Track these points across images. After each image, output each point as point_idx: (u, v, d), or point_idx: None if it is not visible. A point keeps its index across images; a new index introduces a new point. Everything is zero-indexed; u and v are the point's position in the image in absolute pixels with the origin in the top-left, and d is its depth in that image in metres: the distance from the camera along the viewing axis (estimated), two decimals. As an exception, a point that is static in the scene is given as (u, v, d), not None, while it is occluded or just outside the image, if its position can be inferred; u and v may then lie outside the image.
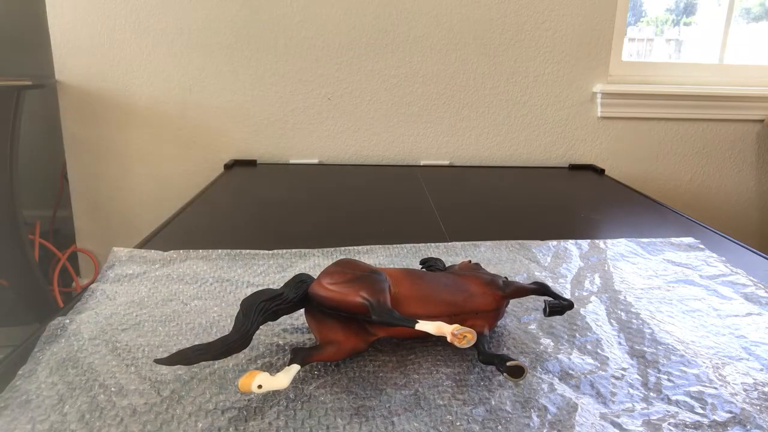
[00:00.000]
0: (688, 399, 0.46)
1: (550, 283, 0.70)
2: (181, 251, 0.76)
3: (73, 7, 1.39)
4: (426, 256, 0.74)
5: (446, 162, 1.57)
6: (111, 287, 0.65)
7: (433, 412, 0.43)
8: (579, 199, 1.16)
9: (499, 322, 0.58)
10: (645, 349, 0.54)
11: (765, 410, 0.45)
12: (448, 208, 1.05)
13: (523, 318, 0.60)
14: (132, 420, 0.42)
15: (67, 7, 1.39)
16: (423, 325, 0.45)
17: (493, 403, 0.45)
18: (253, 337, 0.47)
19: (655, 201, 1.15)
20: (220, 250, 0.76)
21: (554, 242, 0.84)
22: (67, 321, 0.56)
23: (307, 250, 0.78)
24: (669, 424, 0.43)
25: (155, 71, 1.44)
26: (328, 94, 1.49)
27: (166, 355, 0.51)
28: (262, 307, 0.47)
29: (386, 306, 0.46)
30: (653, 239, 0.87)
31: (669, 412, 0.45)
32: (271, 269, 0.71)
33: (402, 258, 0.76)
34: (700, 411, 0.45)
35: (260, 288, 0.65)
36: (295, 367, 0.44)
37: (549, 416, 0.43)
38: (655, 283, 0.71)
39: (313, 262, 0.73)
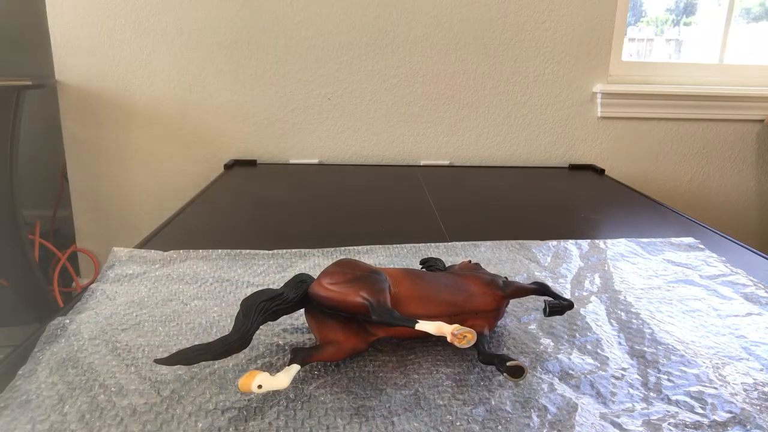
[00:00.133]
0: (688, 399, 0.46)
1: (550, 283, 0.70)
2: (181, 251, 0.76)
3: (73, 7, 1.39)
4: (426, 256, 0.74)
5: (446, 162, 1.57)
6: (111, 287, 0.65)
7: (433, 412, 0.43)
8: (579, 199, 1.16)
9: (499, 322, 0.58)
10: (645, 349, 0.54)
11: (765, 410, 0.45)
12: (448, 208, 1.05)
13: (523, 318, 0.60)
14: (132, 420, 0.42)
15: (67, 7, 1.39)
16: (423, 325, 0.45)
17: (493, 403, 0.45)
18: (253, 337, 0.47)
19: (655, 201, 1.15)
20: (220, 250, 0.76)
21: (554, 242, 0.84)
22: (67, 321, 0.56)
23: (307, 250, 0.78)
24: (669, 424, 0.43)
25: (155, 71, 1.44)
26: (328, 94, 1.49)
27: (166, 355, 0.51)
28: (262, 307, 0.47)
29: (386, 306, 0.46)
30: (653, 239, 0.87)
31: (669, 412, 0.45)
32: (271, 269, 0.71)
33: (402, 258, 0.76)
34: (700, 411, 0.45)
35: (260, 288, 0.65)
36: (295, 367, 0.44)
37: (549, 416, 0.43)
38: (655, 283, 0.71)
39: (313, 262, 0.73)
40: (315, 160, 1.54)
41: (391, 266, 0.74)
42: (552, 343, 0.55)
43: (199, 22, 1.42)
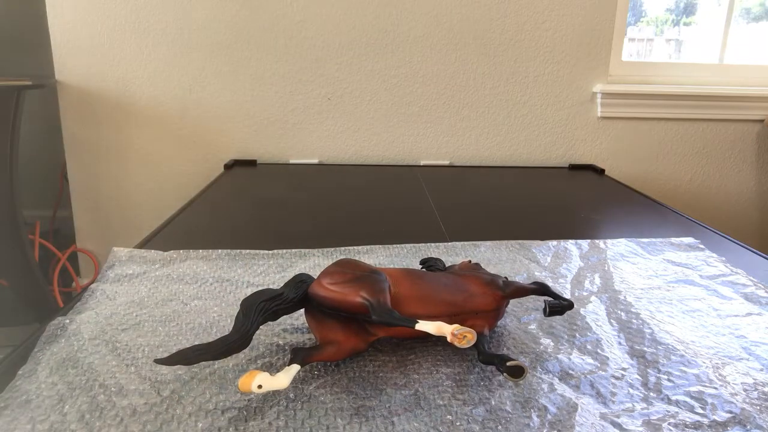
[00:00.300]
0: (688, 399, 0.46)
1: (550, 283, 0.70)
2: (181, 251, 0.76)
3: (73, 7, 1.39)
4: (426, 256, 0.74)
5: (446, 162, 1.57)
6: (111, 287, 0.65)
7: (433, 412, 0.43)
8: (579, 199, 1.16)
9: (499, 322, 0.58)
10: (645, 349, 0.54)
11: (765, 410, 0.45)
12: (448, 208, 1.05)
13: (523, 318, 0.60)
14: (132, 420, 0.42)
15: (67, 7, 1.39)
16: (423, 325, 0.45)
17: (493, 403, 0.45)
18: (253, 337, 0.47)
19: (655, 201, 1.15)
20: (220, 250, 0.76)
21: (554, 242, 0.84)
22: (67, 321, 0.56)
23: (307, 250, 0.78)
24: (669, 424, 0.43)
25: (155, 71, 1.44)
26: (328, 94, 1.49)
27: (166, 355, 0.51)
28: (262, 307, 0.47)
29: (386, 306, 0.46)
30: (653, 239, 0.87)
31: (669, 412, 0.45)
32: (271, 269, 0.71)
33: (402, 258, 0.76)
34: (700, 411, 0.45)
35: (260, 288, 0.65)
36: (295, 367, 0.44)
37: (549, 416, 0.43)
38: (655, 283, 0.71)
39: (313, 262, 0.73)
40: (315, 160, 1.54)
41: (391, 266, 0.74)
42: (552, 343, 0.55)
43: (199, 22, 1.42)
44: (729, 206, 1.65)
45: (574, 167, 1.54)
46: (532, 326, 0.58)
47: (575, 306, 0.64)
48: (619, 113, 1.54)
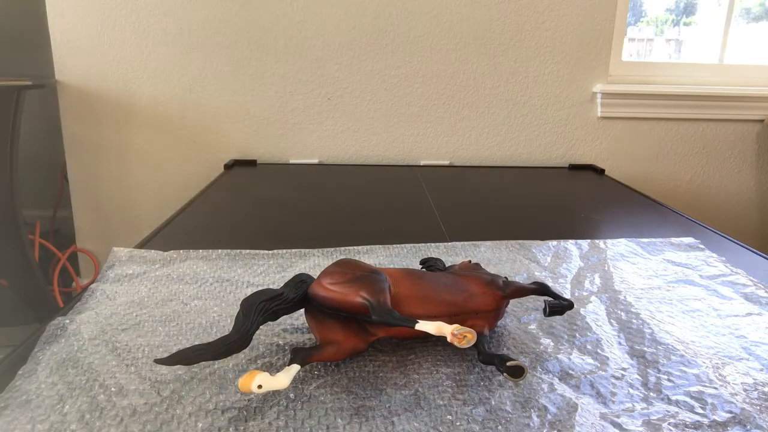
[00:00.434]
0: (688, 399, 0.46)
1: (550, 283, 0.70)
2: (181, 251, 0.76)
3: (73, 7, 1.39)
4: (426, 256, 0.74)
5: (446, 162, 1.57)
6: (111, 287, 0.65)
7: (433, 412, 0.43)
8: (579, 199, 1.16)
9: (499, 322, 0.58)
10: (645, 349, 0.54)
11: (765, 410, 0.45)
12: (448, 208, 1.05)
13: (523, 318, 0.60)
14: (132, 420, 0.42)
15: (67, 7, 1.39)
16: (423, 325, 0.45)
17: (493, 403, 0.45)
18: (253, 337, 0.47)
19: (655, 201, 1.15)
20: (220, 250, 0.76)
21: (554, 242, 0.84)
22: (67, 321, 0.56)
23: (307, 250, 0.78)
24: (669, 424, 0.43)
25: (155, 71, 1.44)
26: (328, 94, 1.49)
27: (166, 355, 0.51)
28: (262, 307, 0.47)
29: (386, 306, 0.46)
30: (653, 239, 0.87)
31: (669, 412, 0.45)
32: (271, 269, 0.71)
33: (402, 258, 0.76)
34: (700, 411, 0.45)
35: (260, 288, 0.65)
36: (295, 367, 0.44)
37: (549, 416, 0.43)
38: (655, 283, 0.71)
39: (313, 262, 0.73)
40: (315, 160, 1.54)
41: (391, 266, 0.74)
42: (552, 343, 0.55)
43: (199, 22, 1.42)
44: (729, 206, 1.65)
45: (574, 167, 1.54)
46: (532, 326, 0.58)
47: (575, 306, 0.64)
48: (619, 113, 1.54)
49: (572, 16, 1.48)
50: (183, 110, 1.47)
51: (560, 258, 0.78)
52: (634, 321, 0.60)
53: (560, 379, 0.49)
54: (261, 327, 0.55)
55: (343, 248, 0.79)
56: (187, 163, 1.51)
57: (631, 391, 0.47)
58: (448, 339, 0.43)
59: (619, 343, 0.55)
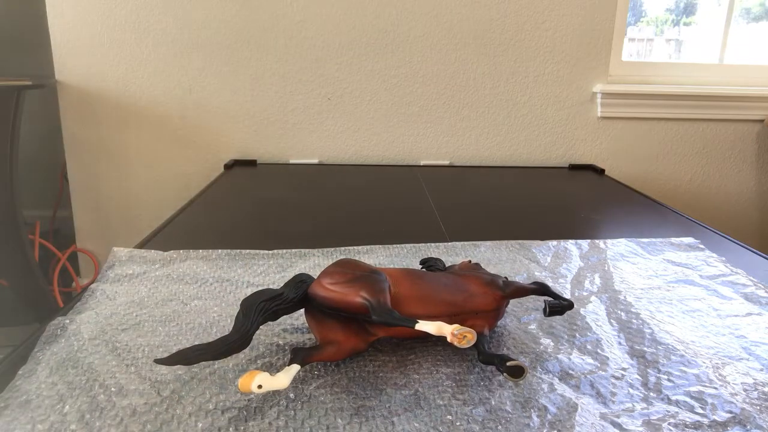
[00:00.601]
0: (688, 399, 0.46)
1: (550, 283, 0.70)
2: (181, 251, 0.76)
3: (73, 7, 1.39)
4: (426, 256, 0.74)
5: (446, 162, 1.57)
6: (111, 287, 0.65)
7: (433, 412, 0.43)
8: (579, 199, 1.16)
9: (499, 322, 0.58)
10: (645, 349, 0.54)
11: (765, 410, 0.45)
12: (448, 208, 1.05)
13: (523, 318, 0.60)
14: (132, 420, 0.42)
15: (67, 7, 1.39)
16: (423, 325, 0.45)
17: (493, 403, 0.45)
18: (253, 337, 0.47)
19: (655, 201, 1.15)
20: (220, 250, 0.76)
21: (554, 242, 0.84)
22: (67, 321, 0.56)
23: (307, 250, 0.78)
24: (669, 424, 0.43)
25: (155, 71, 1.44)
26: (328, 94, 1.49)
27: (166, 355, 0.51)
28: (262, 307, 0.47)
29: (386, 306, 0.46)
30: (653, 239, 0.87)
31: (669, 412, 0.45)
32: (271, 269, 0.71)
33: (402, 258, 0.76)
34: (700, 411, 0.45)
35: (260, 288, 0.65)
36: (295, 367, 0.44)
37: (549, 416, 0.43)
38: (655, 283, 0.71)
39: (313, 262, 0.73)
40: (315, 160, 1.54)
41: (391, 266, 0.74)
42: (552, 343, 0.55)
43: (199, 22, 1.42)
44: (729, 206, 1.65)
45: (574, 167, 1.54)
46: (532, 326, 0.58)
47: (575, 306, 0.64)
48: (619, 113, 1.54)
49: (572, 16, 1.48)
50: (183, 110, 1.47)
51: (560, 258, 0.78)
52: (634, 321, 0.60)
53: (560, 379, 0.49)
54: (261, 327, 0.55)
55: (343, 248, 0.79)
56: (187, 163, 1.51)
57: (631, 391, 0.47)
58: (448, 339, 0.43)
59: (619, 343, 0.55)
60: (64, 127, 1.47)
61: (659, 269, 0.75)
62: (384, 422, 0.42)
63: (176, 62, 1.44)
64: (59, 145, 1.50)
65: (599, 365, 0.51)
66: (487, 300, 0.52)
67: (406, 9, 1.44)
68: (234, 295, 0.64)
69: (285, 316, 0.56)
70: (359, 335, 0.49)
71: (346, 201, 1.10)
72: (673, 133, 1.58)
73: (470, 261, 0.60)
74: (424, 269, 0.60)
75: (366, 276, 0.49)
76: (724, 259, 0.79)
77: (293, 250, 0.78)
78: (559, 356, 0.52)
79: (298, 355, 0.46)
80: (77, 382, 0.46)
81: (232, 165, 1.46)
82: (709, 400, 0.46)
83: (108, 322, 0.56)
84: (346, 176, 1.34)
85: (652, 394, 0.47)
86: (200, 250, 0.76)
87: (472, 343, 0.44)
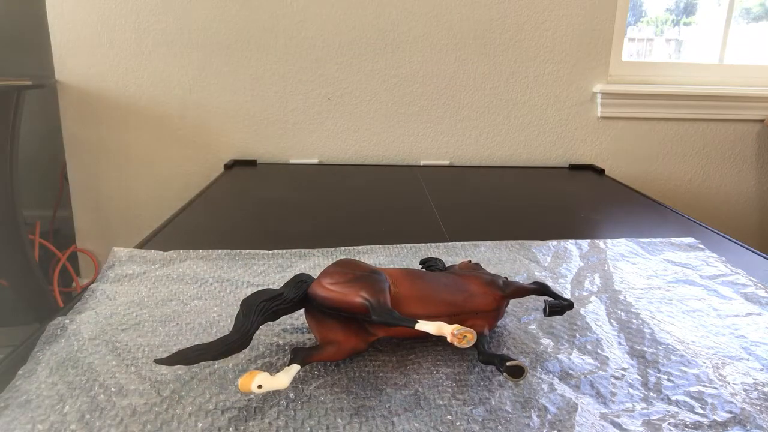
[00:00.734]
0: (688, 399, 0.46)
1: (550, 283, 0.70)
2: (181, 251, 0.76)
3: (73, 7, 1.39)
4: (426, 256, 0.74)
5: (446, 162, 1.56)
6: (111, 287, 0.65)
7: (433, 412, 0.43)
8: (579, 199, 1.16)
9: (499, 322, 0.58)
10: (645, 349, 0.54)
11: (765, 410, 0.45)
12: (448, 208, 1.05)
13: (523, 318, 0.60)
14: (132, 420, 0.42)
15: (67, 7, 1.39)
16: (423, 325, 0.45)
17: (493, 403, 0.45)
18: (253, 337, 0.47)
19: (655, 201, 1.15)
20: (220, 250, 0.76)
21: (554, 242, 0.84)
22: (67, 321, 0.56)
23: (307, 250, 0.78)
24: (669, 424, 0.43)
25: (155, 71, 1.44)
26: (328, 94, 1.49)
27: (166, 355, 0.51)
28: (262, 307, 0.47)
29: (386, 306, 0.46)
30: (653, 239, 0.87)
31: (669, 412, 0.45)
32: (271, 269, 0.71)
33: (402, 258, 0.76)
34: (700, 411, 0.45)
35: (260, 288, 0.65)
36: (295, 367, 0.44)
37: (549, 416, 0.43)
38: (655, 283, 0.71)
39: (313, 262, 0.73)
40: (315, 160, 1.54)
41: (391, 266, 0.74)
42: (552, 343, 0.55)
43: (199, 22, 1.42)
44: (729, 206, 1.65)
45: (574, 167, 1.54)
46: (532, 326, 0.58)
47: (575, 306, 0.64)
48: (619, 113, 1.54)
49: (572, 16, 1.48)
50: (183, 110, 1.47)
51: (560, 258, 0.78)
52: (634, 321, 0.60)
53: (560, 379, 0.49)
54: (261, 327, 0.55)
55: (343, 248, 0.79)
56: (187, 163, 1.51)
57: (631, 391, 0.47)
58: (448, 339, 0.43)
59: (619, 343, 0.55)
60: (64, 127, 1.47)
61: (659, 269, 0.75)
62: (384, 422, 0.42)
63: (176, 62, 1.44)
64: (59, 145, 1.50)
65: (599, 365, 0.51)
66: (487, 300, 0.52)
67: (406, 9, 1.44)
68: (234, 295, 0.64)
69: (285, 316, 0.56)
70: (359, 335, 0.49)
71: (346, 201, 1.10)
72: (673, 133, 1.58)
73: (470, 261, 0.60)
74: (424, 269, 0.60)
75: (366, 276, 0.49)
76: (724, 259, 0.79)
77: (293, 250, 0.78)
78: (559, 356, 0.52)
79: (298, 355, 0.46)
80: (77, 382, 0.46)
81: (232, 165, 1.46)
82: (709, 400, 0.46)
83: (108, 322, 0.56)
84: (346, 176, 1.34)
85: (652, 394, 0.47)
86: (200, 250, 0.76)
87: (472, 343, 0.44)
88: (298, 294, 0.49)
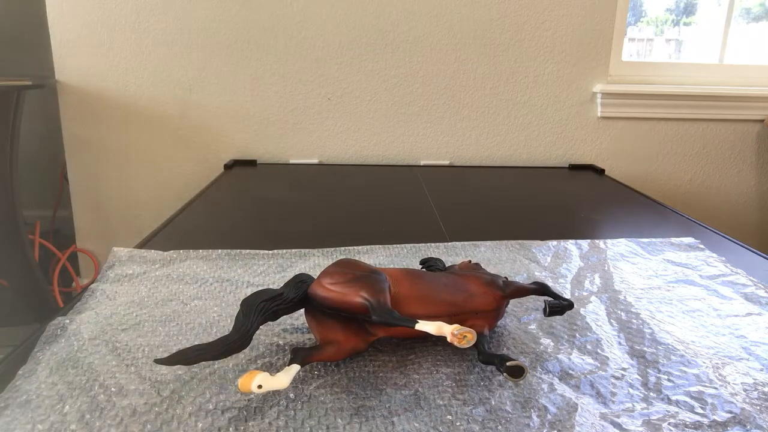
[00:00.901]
0: (688, 399, 0.46)
1: (550, 283, 0.70)
2: (181, 251, 0.76)
3: (73, 7, 1.39)
4: (426, 256, 0.74)
5: (446, 162, 1.57)
6: (111, 287, 0.65)
7: (433, 412, 0.43)
8: (579, 199, 1.16)
9: (499, 322, 0.58)
10: (645, 349, 0.54)
11: (765, 410, 0.45)
12: (448, 208, 1.05)
13: (523, 318, 0.60)
14: (132, 420, 0.42)
15: (67, 7, 1.39)
16: (423, 325, 0.45)
17: (493, 403, 0.45)
18: (253, 337, 0.47)
19: (655, 201, 1.15)
20: (220, 250, 0.76)
21: (554, 242, 0.84)
22: (67, 321, 0.56)
23: (307, 250, 0.78)
24: (669, 424, 0.43)
25: (155, 71, 1.44)
26: (328, 94, 1.49)
27: (166, 355, 0.51)
28: (262, 307, 0.47)
29: (386, 306, 0.46)
30: (653, 239, 0.87)
31: (669, 412, 0.45)
32: (271, 269, 0.71)
33: (402, 258, 0.76)
34: (700, 411, 0.45)
35: (260, 288, 0.65)
36: (295, 367, 0.44)
37: (549, 416, 0.43)
38: (655, 283, 0.71)
39: (313, 262, 0.73)
40: (315, 160, 1.54)
41: (391, 266, 0.74)
42: (552, 343, 0.55)
43: (199, 22, 1.42)
44: (729, 206, 1.65)
45: (574, 167, 1.54)
46: (532, 326, 0.58)
47: (575, 306, 0.64)
48: (619, 113, 1.54)
49: (572, 16, 1.48)
50: (183, 110, 1.47)
51: (560, 258, 0.78)
52: (634, 321, 0.60)
53: (560, 379, 0.49)
54: (261, 327, 0.55)
55: (343, 248, 0.79)
56: (187, 163, 1.51)
57: (631, 391, 0.47)
58: (448, 339, 0.43)
59: (619, 343, 0.55)
60: (64, 127, 1.47)
61: (659, 269, 0.75)
62: (384, 422, 0.42)
63: (176, 62, 1.44)
64: (59, 145, 1.50)
65: (599, 365, 0.51)
66: (487, 300, 0.52)
67: (406, 9, 1.44)
68: (234, 295, 0.64)
69: (285, 316, 0.56)
70: (359, 335, 0.49)
71: (346, 201, 1.10)
72: (673, 133, 1.58)
73: (470, 261, 0.60)
74: (424, 269, 0.60)
75: (366, 276, 0.49)
76: (724, 259, 0.79)
77: (293, 250, 0.78)
78: (559, 356, 0.52)
79: (298, 355, 0.46)
80: (77, 382, 0.46)
81: (232, 165, 1.46)
82: (709, 400, 0.46)
83: (108, 322, 0.56)
84: (346, 176, 1.34)
85: (652, 394, 0.47)
86: (200, 250, 0.76)
87: (472, 343, 0.44)
88: (298, 294, 0.49)
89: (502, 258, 0.78)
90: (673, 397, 0.47)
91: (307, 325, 0.56)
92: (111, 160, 1.50)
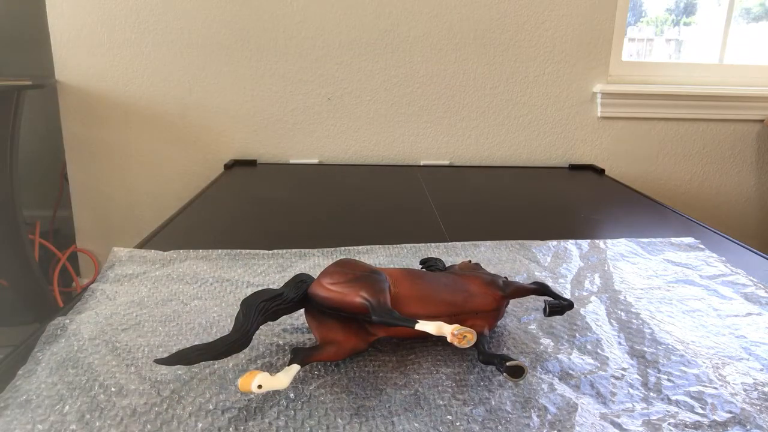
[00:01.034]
0: (688, 399, 0.46)
1: (550, 283, 0.70)
2: (181, 251, 0.76)
3: (73, 7, 1.39)
4: (426, 256, 0.74)
5: (446, 162, 1.56)
6: (111, 287, 0.65)
7: (433, 412, 0.43)
8: (579, 199, 1.16)
9: (499, 322, 0.58)
10: (645, 349, 0.54)
11: (765, 410, 0.45)
12: (448, 208, 1.05)
13: (523, 318, 0.60)
14: (132, 420, 0.42)
15: (67, 7, 1.39)
16: (423, 325, 0.45)
17: (493, 403, 0.45)
18: (253, 337, 0.47)
19: (655, 201, 1.15)
20: (220, 250, 0.76)
21: (554, 242, 0.84)
22: (67, 321, 0.56)
23: (307, 250, 0.78)
24: (669, 424, 0.43)
25: (155, 71, 1.44)
26: (328, 94, 1.49)
27: (166, 355, 0.51)
28: (262, 307, 0.47)
29: (386, 306, 0.46)
30: (653, 239, 0.87)
31: (669, 412, 0.45)
32: (271, 269, 0.71)
33: (402, 258, 0.76)
34: (700, 411, 0.45)
35: (260, 288, 0.65)
36: (295, 367, 0.44)
37: (549, 416, 0.43)
38: (655, 283, 0.71)
39: (313, 262, 0.73)
40: (315, 160, 1.54)
41: (391, 266, 0.74)
42: (552, 343, 0.55)
43: (199, 22, 1.42)
44: (729, 206, 1.65)
45: (574, 167, 1.54)
46: (532, 326, 0.58)
47: (575, 306, 0.64)
48: (619, 113, 1.54)
49: (572, 16, 1.48)
50: (183, 110, 1.47)
51: (560, 258, 0.78)
52: (634, 321, 0.60)
53: (560, 379, 0.49)
54: (261, 327, 0.55)
55: (343, 248, 0.79)
56: (187, 163, 1.51)
57: (631, 391, 0.47)
58: (448, 339, 0.43)
59: (619, 343, 0.55)
60: (64, 127, 1.47)
61: (659, 269, 0.75)
62: (384, 422, 0.42)
63: (176, 62, 1.44)
64: (59, 145, 1.50)
65: (599, 365, 0.51)
66: (487, 300, 0.52)
67: (406, 9, 1.44)
68: (234, 295, 0.64)
69: (285, 316, 0.56)
70: (359, 335, 0.49)
71: (346, 201, 1.10)
72: (673, 133, 1.58)
73: (470, 261, 0.60)
74: (424, 269, 0.60)
75: (366, 276, 0.49)
76: (724, 259, 0.80)
77: (293, 250, 0.78)
78: (559, 356, 0.52)
79: (298, 355, 0.46)
80: (77, 382, 0.46)
81: (232, 165, 1.46)
82: (709, 400, 0.46)
83: (108, 322, 0.56)
84: (346, 176, 1.34)
85: (652, 394, 0.47)
86: (200, 250, 0.76)
87: (472, 343, 0.44)
88: (298, 294, 0.49)
89: (502, 258, 0.78)
90: (673, 397, 0.47)
91: (307, 325, 0.56)
92: (111, 160, 1.50)
